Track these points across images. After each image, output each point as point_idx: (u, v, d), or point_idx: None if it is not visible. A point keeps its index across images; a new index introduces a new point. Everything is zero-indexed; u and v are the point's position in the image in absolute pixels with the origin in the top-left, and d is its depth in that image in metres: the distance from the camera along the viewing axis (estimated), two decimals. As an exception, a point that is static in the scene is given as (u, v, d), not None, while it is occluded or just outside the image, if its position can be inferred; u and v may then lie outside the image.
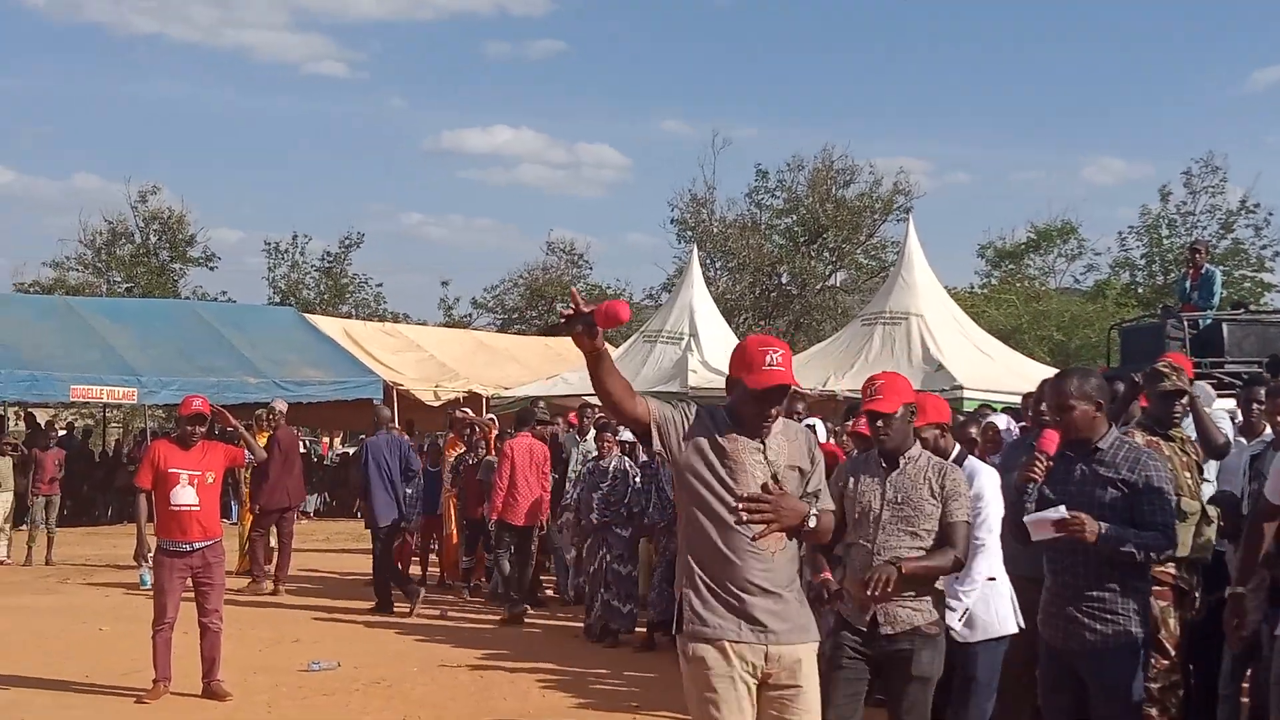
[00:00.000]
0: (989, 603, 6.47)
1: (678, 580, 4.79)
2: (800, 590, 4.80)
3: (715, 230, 43.67)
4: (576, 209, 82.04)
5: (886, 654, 5.59)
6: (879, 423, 5.64)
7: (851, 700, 5.59)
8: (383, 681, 9.95)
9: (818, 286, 43.03)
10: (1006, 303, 40.59)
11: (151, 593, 9.67)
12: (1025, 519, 5.65)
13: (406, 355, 27.55)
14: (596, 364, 4.52)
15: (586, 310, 4.39)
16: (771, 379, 4.66)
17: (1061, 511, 5.47)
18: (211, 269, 45.96)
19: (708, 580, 4.64)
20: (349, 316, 38.93)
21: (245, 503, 17.09)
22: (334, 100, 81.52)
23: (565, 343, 33.18)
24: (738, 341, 19.98)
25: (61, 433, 27.79)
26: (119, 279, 43.77)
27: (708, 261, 39.25)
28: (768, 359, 4.67)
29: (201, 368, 23.35)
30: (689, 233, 43.59)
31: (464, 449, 15.45)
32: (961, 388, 16.53)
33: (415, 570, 15.96)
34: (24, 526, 18.36)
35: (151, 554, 9.57)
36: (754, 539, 4.60)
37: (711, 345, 21.48)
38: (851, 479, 5.77)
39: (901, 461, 5.69)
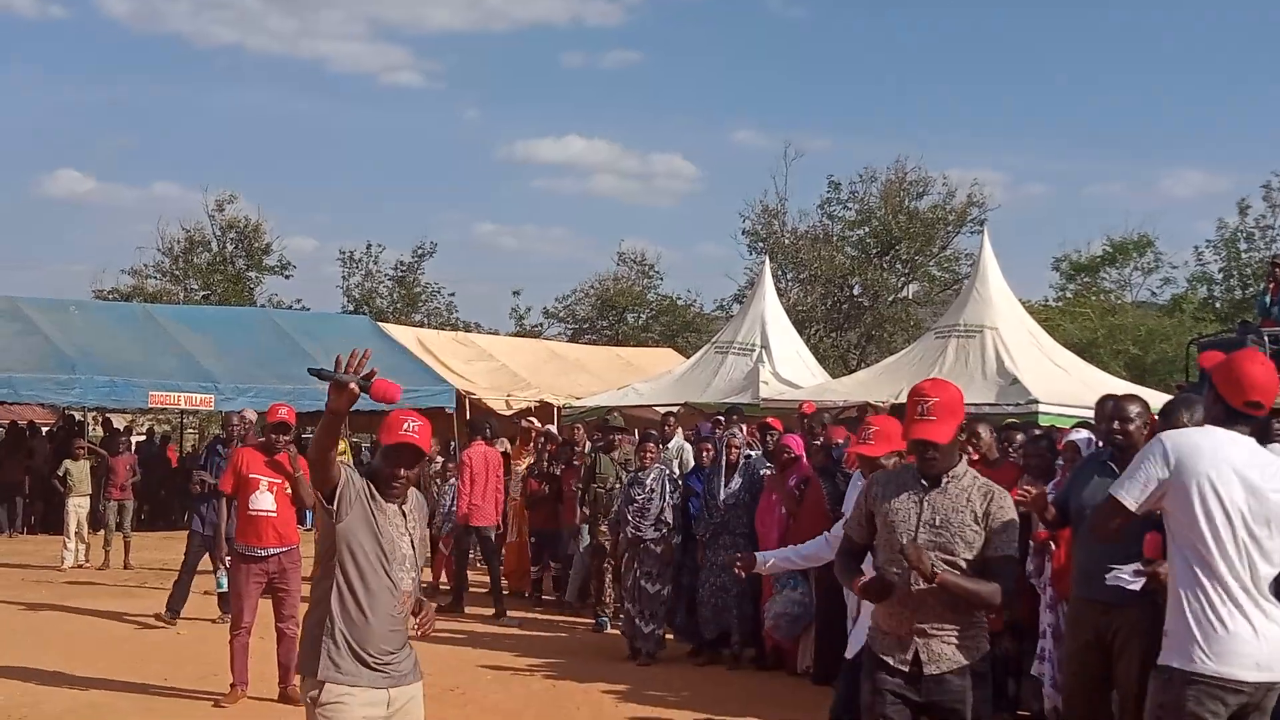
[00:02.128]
0: None
1: None
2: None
3: (787, 242, 43.62)
4: (648, 219, 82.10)
5: (933, 697, 5.06)
6: (929, 453, 5.10)
7: None
8: (456, 689, 10.01)
9: (890, 299, 42.87)
10: (1082, 316, 40.21)
11: (228, 596, 9.79)
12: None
13: (478, 364, 27.68)
14: (335, 423, 4.84)
15: (366, 377, 4.68)
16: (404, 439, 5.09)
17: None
18: (287, 277, 46.46)
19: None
20: (421, 325, 39.17)
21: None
22: (409, 110, 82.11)
23: (636, 353, 33.39)
24: (809, 353, 19.86)
25: (140, 438, 28.17)
26: (196, 287, 44.30)
27: (779, 273, 39.14)
28: (405, 426, 5.08)
29: (278, 375, 23.57)
30: (760, 244, 43.55)
31: (533, 458, 15.52)
32: (1037, 402, 16.39)
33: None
34: (101, 531, 18.61)
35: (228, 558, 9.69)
36: None
37: (783, 357, 21.48)
38: (884, 493, 5.23)
39: (944, 480, 5.13)
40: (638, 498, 11.62)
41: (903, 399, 17.30)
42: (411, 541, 5.16)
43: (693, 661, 11.33)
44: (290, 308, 42.05)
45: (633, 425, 17.11)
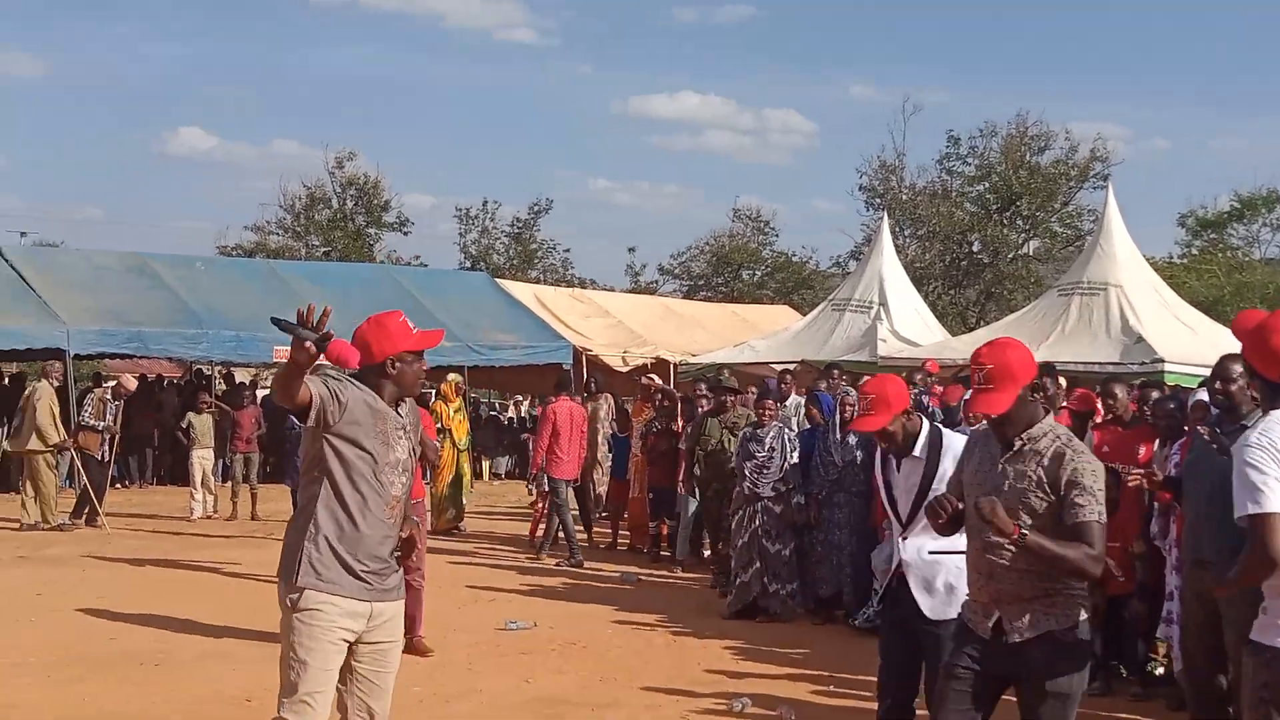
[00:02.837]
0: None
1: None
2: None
3: (905, 198, 43.15)
4: (763, 175, 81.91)
5: (1014, 666, 4.85)
6: (994, 422, 4.93)
7: (958, 713, 4.95)
8: (578, 643, 10.11)
9: (1010, 255, 42.27)
10: (1208, 273, 39.29)
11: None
12: None
13: (595, 321, 27.80)
14: (297, 373, 4.70)
15: (324, 338, 4.59)
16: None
17: None
18: (405, 234, 46.93)
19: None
20: (537, 282, 39.40)
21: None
22: (524, 67, 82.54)
23: (752, 310, 33.31)
24: (928, 310, 19.70)
25: (264, 392, 28.67)
26: (317, 243, 44.93)
27: (897, 229, 38.73)
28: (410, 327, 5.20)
29: (397, 330, 23.86)
30: (878, 200, 43.17)
31: (652, 415, 15.57)
32: (1162, 361, 16.11)
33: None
34: (228, 483, 19.02)
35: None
36: None
37: (901, 314, 21.32)
38: (969, 457, 5.11)
39: (1018, 443, 4.86)
40: (756, 454, 11.52)
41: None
42: (410, 449, 5.12)
43: (810, 620, 11.32)
44: (408, 264, 42.47)
45: (746, 383, 17.07)
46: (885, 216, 26.26)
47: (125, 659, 9.21)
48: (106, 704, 7.98)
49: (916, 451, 5.78)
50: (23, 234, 53.30)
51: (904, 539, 5.81)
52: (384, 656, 5.17)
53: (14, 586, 12.21)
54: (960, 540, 5.29)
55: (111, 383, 18.49)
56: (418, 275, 30.89)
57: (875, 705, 5.98)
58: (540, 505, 15.76)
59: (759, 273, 47.93)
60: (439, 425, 15.66)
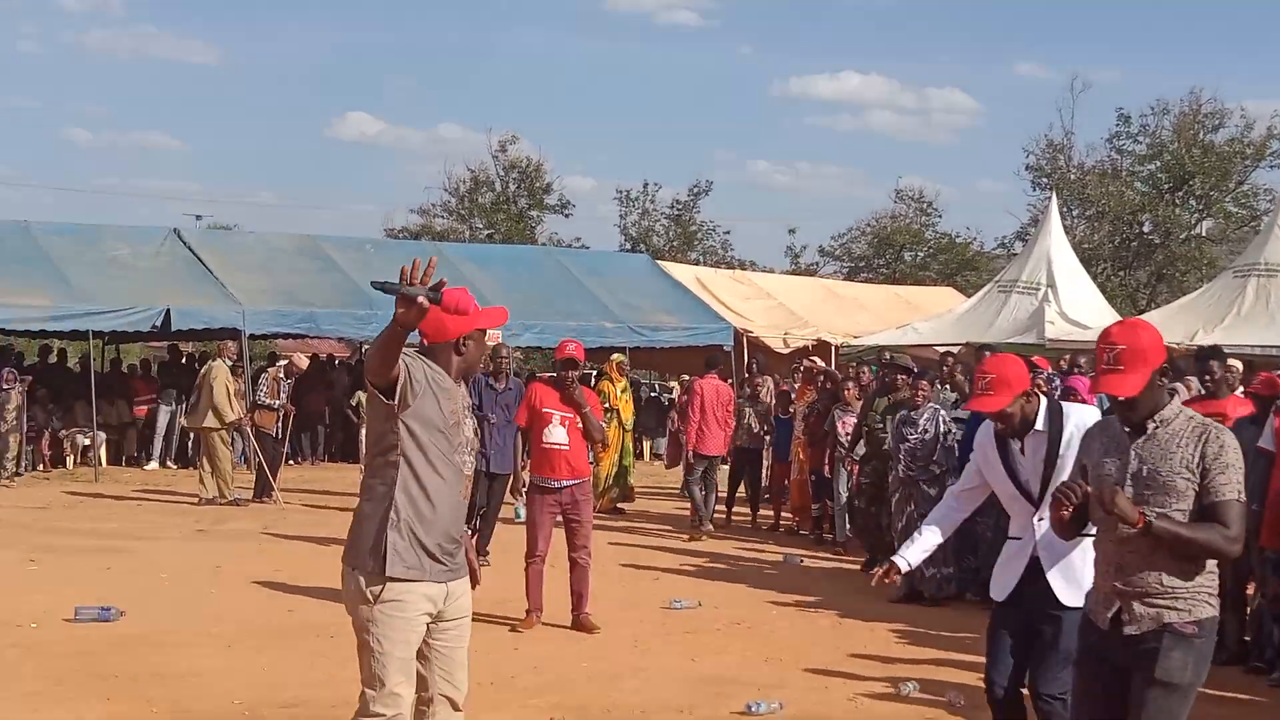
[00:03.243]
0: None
1: None
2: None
3: (1073, 177, 42.29)
4: (925, 155, 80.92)
5: (1130, 660, 4.66)
6: (1121, 406, 4.72)
7: (1093, 710, 4.81)
8: (743, 622, 10.14)
9: (1182, 236, 41.18)
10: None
11: (524, 526, 10.12)
12: None
13: (756, 303, 27.74)
14: (401, 337, 4.53)
15: (435, 288, 4.47)
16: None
17: None
18: (566, 216, 47.35)
19: None
20: (698, 263, 39.44)
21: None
22: (685, 49, 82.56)
23: (915, 291, 32.93)
24: (1097, 292, 19.27)
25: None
26: (480, 225, 45.55)
27: (1064, 209, 37.95)
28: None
29: (561, 312, 24.12)
30: (1045, 180, 42.37)
31: (815, 397, 15.51)
32: (1345, 345, 15.58)
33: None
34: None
35: (525, 489, 10.00)
36: None
37: (1070, 296, 20.90)
38: (1094, 446, 4.88)
39: (1150, 426, 4.67)
40: (910, 437, 11.43)
41: (1199, 341, 16.76)
42: (473, 428, 5.07)
43: (980, 606, 11.16)
44: (570, 246, 42.84)
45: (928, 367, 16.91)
46: (1053, 196, 25.77)
47: (303, 630, 9.48)
48: (287, 674, 8.22)
49: (1039, 425, 5.54)
50: (199, 217, 54.94)
51: (1039, 519, 5.55)
52: (459, 631, 5.06)
53: (194, 559, 12.63)
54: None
55: (284, 362, 18.96)
56: (580, 257, 31.16)
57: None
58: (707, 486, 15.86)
59: (921, 254, 47.36)
60: (605, 405, 15.77)
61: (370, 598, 4.80)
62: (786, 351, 25.27)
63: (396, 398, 4.72)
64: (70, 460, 21.50)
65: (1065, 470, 5.33)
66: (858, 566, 13.01)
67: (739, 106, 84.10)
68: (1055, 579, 5.49)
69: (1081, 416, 5.49)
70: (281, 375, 18.08)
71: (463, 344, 4.98)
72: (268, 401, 17.71)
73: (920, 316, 24.85)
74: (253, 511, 16.50)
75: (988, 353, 14.04)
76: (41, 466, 20.87)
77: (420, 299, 4.41)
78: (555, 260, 28.08)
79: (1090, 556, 5.20)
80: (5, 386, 18.71)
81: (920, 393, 11.63)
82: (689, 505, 15.91)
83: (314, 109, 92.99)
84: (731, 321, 25.57)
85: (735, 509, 16.44)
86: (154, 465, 22.08)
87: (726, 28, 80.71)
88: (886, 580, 5.94)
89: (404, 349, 4.64)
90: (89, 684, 7.84)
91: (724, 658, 9.01)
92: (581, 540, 9.71)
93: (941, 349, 19.38)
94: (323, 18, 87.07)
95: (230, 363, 17.65)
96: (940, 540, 6.07)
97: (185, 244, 23.19)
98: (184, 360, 26.84)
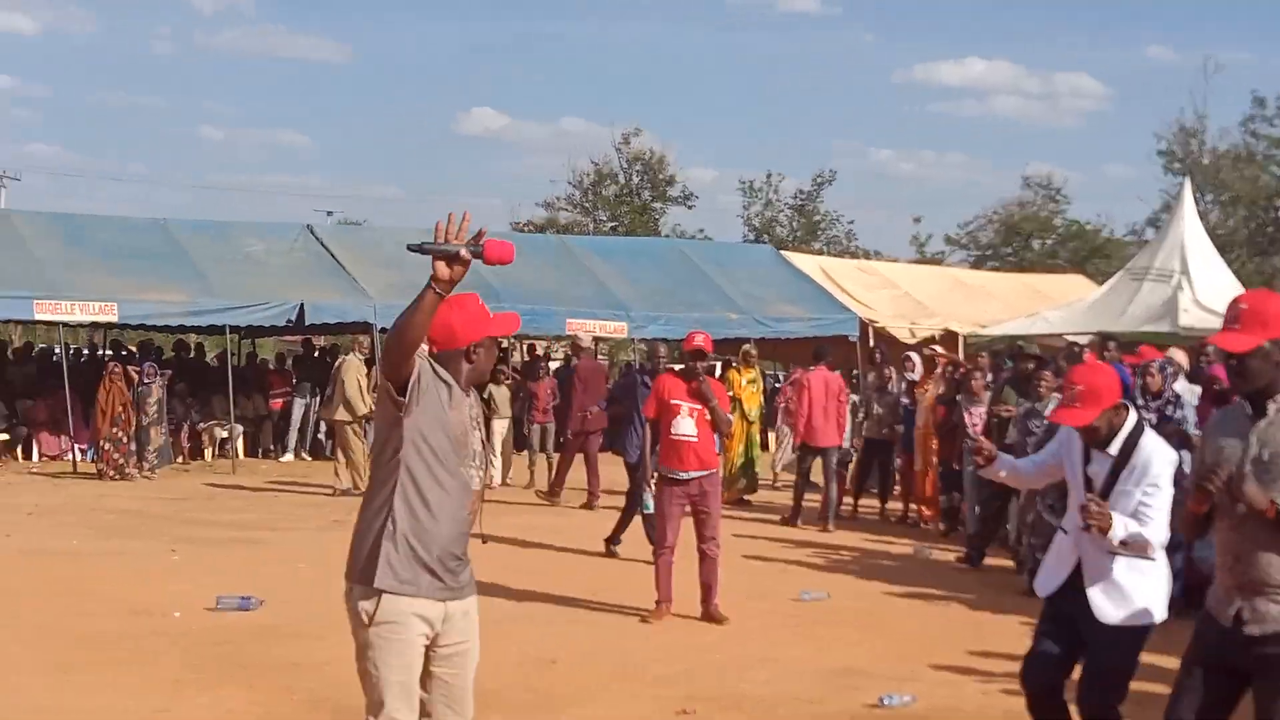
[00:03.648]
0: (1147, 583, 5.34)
1: None
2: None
3: (1206, 162, 41.35)
4: (1052, 141, 79.90)
5: (1249, 661, 4.49)
6: (1230, 361, 4.57)
7: (1199, 706, 4.66)
8: (873, 615, 10.10)
9: (1321, 221, 40.13)
10: None
11: (653, 517, 10.17)
12: None
13: (881, 292, 27.52)
14: (436, 303, 4.36)
15: (475, 239, 4.33)
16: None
17: None
18: (689, 208, 47.50)
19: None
20: (821, 254, 39.26)
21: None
22: (806, 38, 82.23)
23: (1044, 279, 32.43)
24: (1233, 278, 18.78)
25: (556, 364, 29.43)
26: (604, 218, 45.80)
27: (1197, 195, 37.16)
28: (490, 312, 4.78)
29: (685, 303, 24.16)
30: (1177, 165, 41.49)
31: (942, 387, 15.35)
32: None
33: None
34: (524, 452, 19.60)
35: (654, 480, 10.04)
36: None
37: (1205, 283, 20.41)
38: (1214, 433, 4.75)
39: (1271, 408, 4.51)
40: (1035, 430, 11.21)
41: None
42: (481, 440, 4.72)
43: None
44: (693, 237, 42.90)
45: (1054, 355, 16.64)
46: (1186, 181, 25.20)
47: (435, 620, 9.61)
48: (420, 662, 8.33)
49: (1112, 448, 5.31)
50: (329, 213, 55.97)
51: (1085, 529, 5.32)
52: (462, 659, 4.74)
53: (330, 550, 12.80)
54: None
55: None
56: (704, 249, 31.17)
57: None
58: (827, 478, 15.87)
59: (1050, 241, 46.65)
60: (730, 395, 15.76)
61: (365, 619, 4.57)
62: (913, 342, 25.03)
63: (407, 395, 4.46)
64: (209, 453, 22.05)
65: (1119, 503, 5.22)
66: (990, 560, 12.86)
67: (862, 95, 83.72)
68: (1095, 595, 5.31)
69: (1153, 451, 5.28)
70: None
71: (474, 351, 4.68)
72: (398, 394, 17.94)
73: (1050, 305, 24.44)
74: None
75: (1113, 344, 13.90)
76: (181, 459, 21.39)
77: (461, 253, 4.25)
78: (679, 252, 28.12)
79: (1135, 574, 5.19)
80: (146, 381, 19.21)
81: (1044, 384, 11.45)
82: (818, 497, 15.85)
83: (440, 105, 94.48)
84: (857, 312, 25.39)
85: (862, 501, 16.31)
86: (289, 457, 22.56)
87: (848, 15, 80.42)
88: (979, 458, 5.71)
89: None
90: (231, 672, 8.04)
91: (854, 650, 8.98)
92: (710, 532, 9.73)
93: (1072, 338, 19.09)
94: (448, 14, 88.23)
95: (363, 356, 17.96)
96: (1026, 483, 6.42)
97: (318, 240, 23.61)
98: (317, 354, 27.34)
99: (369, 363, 18.32)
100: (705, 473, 9.72)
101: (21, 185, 58.12)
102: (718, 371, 21.58)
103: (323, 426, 21.90)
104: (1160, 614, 5.35)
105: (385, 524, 4.54)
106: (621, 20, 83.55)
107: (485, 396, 19.82)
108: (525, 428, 19.64)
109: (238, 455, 21.54)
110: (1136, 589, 5.27)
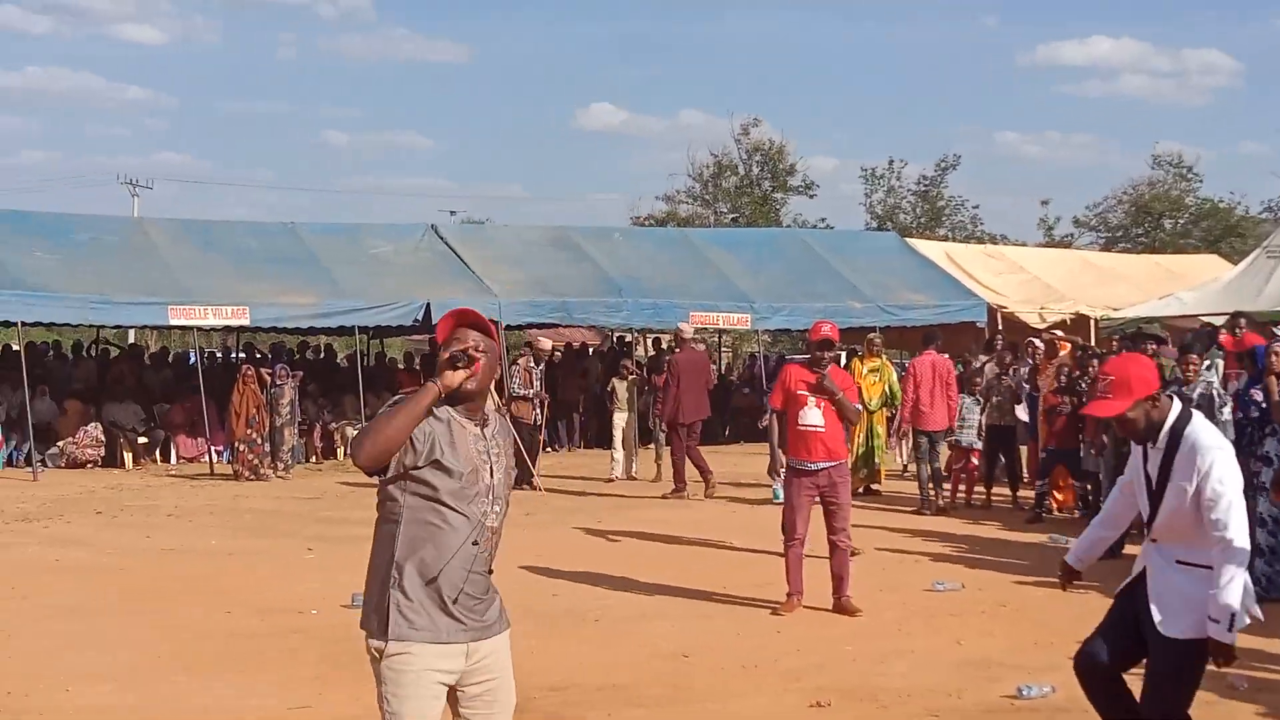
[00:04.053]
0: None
1: None
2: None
3: (1345, 135, 40.15)
4: (1182, 119, 78.20)
5: None
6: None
7: None
8: (1008, 604, 9.93)
9: None
10: None
11: (780, 507, 10.10)
12: None
13: (1009, 277, 27.15)
14: (432, 404, 4.14)
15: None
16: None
17: None
18: (811, 197, 47.30)
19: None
20: (946, 239, 38.81)
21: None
22: (927, 22, 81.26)
23: (1177, 260, 31.77)
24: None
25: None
26: (725, 209, 45.74)
27: (1337, 170, 36.09)
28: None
29: (808, 293, 24.03)
30: (1314, 138, 40.33)
31: (1065, 375, 15.04)
32: None
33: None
34: (650, 445, 19.62)
35: (783, 470, 9.98)
36: None
37: (1347, 261, 19.85)
38: None
39: None
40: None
41: None
42: (491, 469, 4.35)
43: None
44: (815, 226, 42.68)
45: (1175, 336, 16.30)
46: (1326, 156, 24.51)
47: (567, 614, 9.66)
48: (554, 657, 8.36)
49: (1159, 441, 5.14)
50: (453, 213, 56.58)
51: (1152, 541, 5.26)
52: (492, 698, 4.45)
53: (461, 545, 12.97)
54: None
55: (539, 347, 19.36)
56: (826, 237, 31.01)
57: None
58: (955, 466, 15.65)
59: (1182, 221, 45.62)
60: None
61: (377, 654, 4.31)
62: (1043, 326, 24.63)
63: (390, 472, 4.22)
64: (341, 451, 22.37)
65: (1176, 496, 5.06)
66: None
67: (984, 78, 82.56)
68: (1157, 608, 5.17)
69: (1197, 440, 5.09)
70: (532, 364, 18.45)
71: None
72: (521, 391, 18.10)
73: (1183, 286, 23.92)
74: (514, 498, 16.78)
75: (1244, 320, 13.53)
76: (314, 458, 21.77)
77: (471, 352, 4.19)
78: (801, 241, 27.98)
79: (1203, 586, 5.00)
80: (279, 382, 19.56)
81: (1190, 367, 11.15)
82: (949, 485, 15.69)
83: (559, 102, 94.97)
84: (984, 297, 25.06)
85: (995, 489, 16.06)
86: (419, 455, 22.77)
87: (970, -2, 79.07)
88: (1065, 589, 5.82)
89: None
90: (366, 668, 8.05)
91: (990, 641, 8.84)
92: (840, 523, 9.65)
93: (1207, 319, 18.67)
94: (566, 11, 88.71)
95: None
96: (1113, 537, 5.95)
97: (442, 239, 23.88)
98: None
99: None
100: (834, 463, 9.63)
101: (153, 193, 59.55)
102: (842, 361, 21.41)
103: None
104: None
105: (390, 569, 4.28)
106: (739, 10, 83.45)
107: (608, 389, 19.90)
108: (650, 421, 19.65)
109: (368, 454, 21.78)
110: (1203, 602, 5.07)
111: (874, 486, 16.83)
